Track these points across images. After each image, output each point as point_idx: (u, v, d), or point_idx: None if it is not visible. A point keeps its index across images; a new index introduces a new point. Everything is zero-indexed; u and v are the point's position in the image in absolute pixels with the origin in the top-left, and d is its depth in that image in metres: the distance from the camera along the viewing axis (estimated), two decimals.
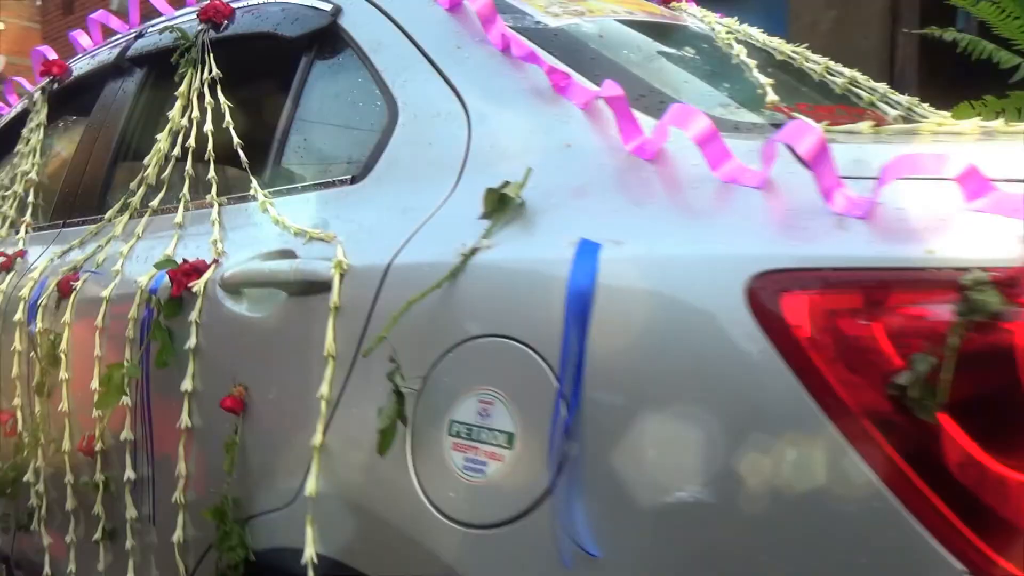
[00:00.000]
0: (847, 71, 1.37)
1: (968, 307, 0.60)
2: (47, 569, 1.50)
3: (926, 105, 1.37)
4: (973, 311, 0.60)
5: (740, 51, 1.27)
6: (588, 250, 0.79)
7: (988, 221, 0.64)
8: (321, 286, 1.01)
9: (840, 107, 1.06)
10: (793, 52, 1.43)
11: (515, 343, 0.83)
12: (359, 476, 0.96)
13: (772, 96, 1.02)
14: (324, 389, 0.98)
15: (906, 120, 1.13)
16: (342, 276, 1.00)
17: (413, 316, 0.90)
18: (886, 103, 1.26)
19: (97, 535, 1.34)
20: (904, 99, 1.36)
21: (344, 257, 1.01)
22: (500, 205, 0.89)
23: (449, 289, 0.89)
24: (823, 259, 0.69)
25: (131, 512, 1.29)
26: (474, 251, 0.88)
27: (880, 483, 0.63)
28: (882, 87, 1.37)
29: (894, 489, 0.62)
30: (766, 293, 0.68)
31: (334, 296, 0.99)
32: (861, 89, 1.32)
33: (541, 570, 0.79)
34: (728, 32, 1.34)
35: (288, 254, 1.10)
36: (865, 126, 0.90)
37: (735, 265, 0.71)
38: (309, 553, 0.96)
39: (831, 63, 1.43)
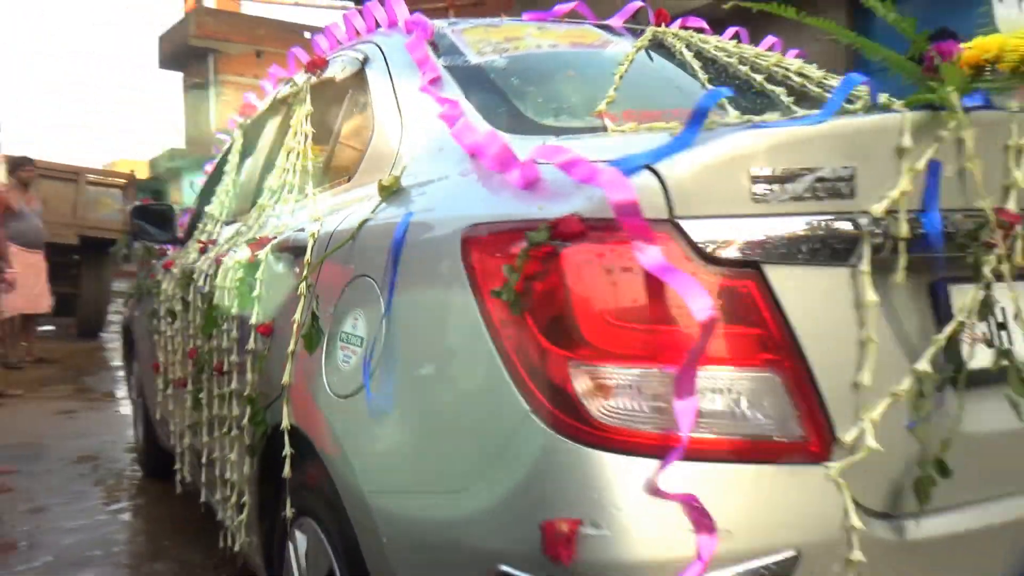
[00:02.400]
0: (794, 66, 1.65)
1: (532, 240, 0.96)
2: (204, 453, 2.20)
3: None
4: (531, 243, 0.95)
5: (692, 63, 1.60)
6: (406, 216, 1.23)
7: (573, 188, 0.98)
8: (303, 249, 1.54)
9: (672, 112, 1.34)
10: (756, 59, 1.72)
11: (370, 279, 1.29)
12: (308, 372, 1.47)
13: (601, 106, 1.35)
14: (296, 316, 1.50)
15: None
16: (313, 243, 1.51)
17: (331, 265, 1.40)
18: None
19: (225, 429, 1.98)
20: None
21: (316, 230, 1.52)
22: (385, 191, 1.36)
23: (349, 247, 1.37)
24: (490, 216, 1.07)
25: (235, 410, 1.91)
26: (365, 221, 1.35)
27: (499, 360, 1.00)
28: (819, 75, 1.63)
29: (504, 361, 0.99)
30: (466, 238, 1.08)
31: (307, 255, 1.51)
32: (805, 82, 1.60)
33: (365, 422, 1.24)
34: (688, 46, 1.68)
35: (300, 231, 1.64)
36: (631, 126, 1.23)
37: (461, 222, 1.11)
38: (285, 424, 1.49)
39: (789, 63, 1.70)
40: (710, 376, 0.94)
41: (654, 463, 0.91)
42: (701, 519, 0.90)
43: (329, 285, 1.42)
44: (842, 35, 1.40)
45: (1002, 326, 1.17)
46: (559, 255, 0.96)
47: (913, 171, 1.01)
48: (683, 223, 0.94)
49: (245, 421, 1.72)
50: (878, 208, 1.00)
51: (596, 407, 0.93)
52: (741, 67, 1.64)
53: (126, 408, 4.92)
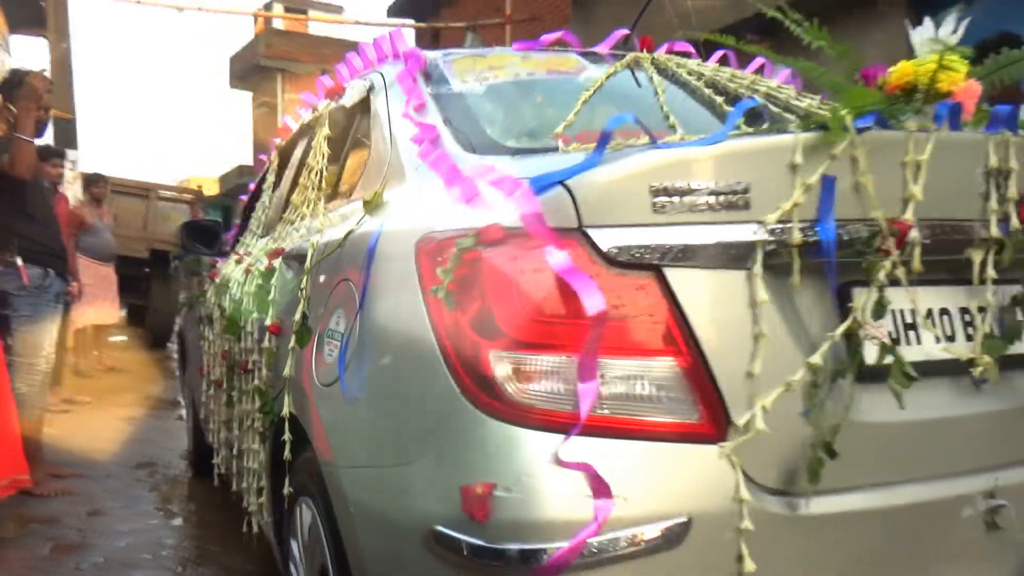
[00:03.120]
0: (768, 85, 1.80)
1: (460, 246, 1.13)
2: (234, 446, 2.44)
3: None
4: (460, 248, 1.13)
5: (659, 87, 1.76)
6: (379, 228, 1.42)
7: (502, 202, 1.16)
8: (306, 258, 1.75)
9: (623, 133, 1.49)
10: (729, 81, 1.87)
11: (351, 283, 1.48)
12: (303, 365, 1.66)
13: (558, 129, 1.52)
14: (297, 315, 1.70)
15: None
16: (312, 252, 1.72)
17: (323, 271, 1.60)
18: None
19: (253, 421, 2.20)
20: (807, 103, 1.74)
21: (316, 241, 1.73)
22: (368, 206, 1.55)
23: (337, 255, 1.57)
24: (439, 227, 1.25)
25: (256, 404, 2.12)
26: (349, 233, 1.55)
27: (437, 350, 1.17)
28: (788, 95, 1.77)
29: (440, 350, 1.17)
30: (418, 247, 1.26)
31: (307, 263, 1.72)
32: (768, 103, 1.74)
33: (340, 407, 1.42)
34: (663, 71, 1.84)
35: (306, 241, 1.85)
36: (573, 147, 1.39)
37: (417, 233, 1.29)
38: (285, 412, 1.69)
39: (764, 83, 1.85)
40: (614, 364, 1.10)
41: (559, 437, 1.07)
42: (598, 486, 1.05)
43: (321, 288, 1.63)
44: (782, 61, 1.53)
45: (911, 326, 1.29)
46: (482, 259, 1.13)
47: (805, 185, 1.15)
48: (590, 231, 1.10)
49: (257, 411, 1.94)
50: (771, 218, 1.14)
51: (512, 389, 1.10)
52: (706, 88, 1.79)
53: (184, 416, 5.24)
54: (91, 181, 7.63)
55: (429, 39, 14.52)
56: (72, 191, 8.65)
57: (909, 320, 1.29)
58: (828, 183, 1.17)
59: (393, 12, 14.92)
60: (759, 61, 2.07)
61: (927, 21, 1.40)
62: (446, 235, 1.22)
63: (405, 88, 1.72)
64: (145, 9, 11.09)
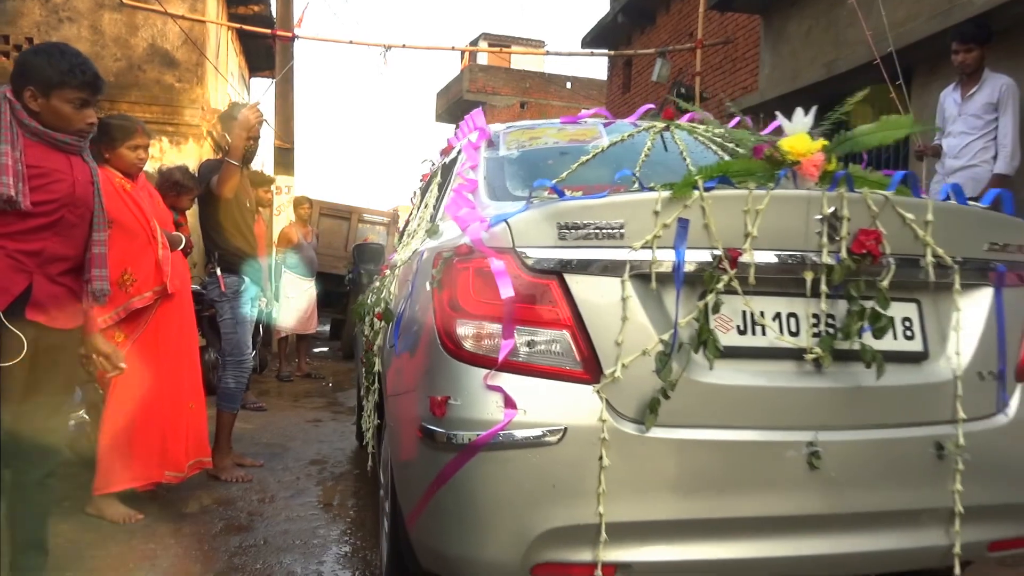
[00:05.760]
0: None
1: (444, 257, 1.98)
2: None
3: None
4: (445, 258, 1.98)
5: (683, 148, 2.51)
6: (426, 245, 2.30)
7: (471, 231, 1.98)
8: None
9: (595, 186, 2.24)
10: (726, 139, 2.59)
11: (410, 281, 2.37)
12: (385, 337, 2.57)
13: (548, 183, 2.30)
14: (392, 304, 2.62)
15: None
16: (400, 262, 2.64)
17: (404, 273, 2.52)
18: None
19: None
20: None
21: (405, 255, 2.65)
22: (429, 232, 2.44)
23: (410, 263, 2.47)
24: (446, 244, 2.10)
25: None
26: (416, 249, 2.45)
27: (433, 320, 2.02)
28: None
29: (434, 320, 2.01)
30: (435, 256, 2.12)
31: (396, 269, 2.64)
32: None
33: (393, 359, 2.32)
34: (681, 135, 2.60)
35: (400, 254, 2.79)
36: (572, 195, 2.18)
37: (439, 249, 2.15)
38: (377, 368, 2.62)
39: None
40: (529, 331, 1.88)
41: (487, 372, 1.86)
42: (508, 402, 1.84)
43: (401, 286, 2.54)
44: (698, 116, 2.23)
45: (756, 321, 1.95)
46: (455, 264, 1.96)
47: (662, 225, 1.87)
48: (519, 250, 1.90)
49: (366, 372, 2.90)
50: (636, 245, 1.87)
51: (467, 343, 1.92)
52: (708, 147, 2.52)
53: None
54: (298, 203, 9.06)
55: (622, 67, 15.43)
56: (286, 213, 10.34)
57: (758, 318, 1.95)
58: (683, 223, 1.88)
59: (587, 43, 15.98)
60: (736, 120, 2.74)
61: (797, 112, 2.06)
62: (443, 250, 2.07)
63: (468, 154, 2.60)
64: (358, 49, 12.77)
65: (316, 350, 11.45)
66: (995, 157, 4.68)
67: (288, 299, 8.49)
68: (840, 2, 6.73)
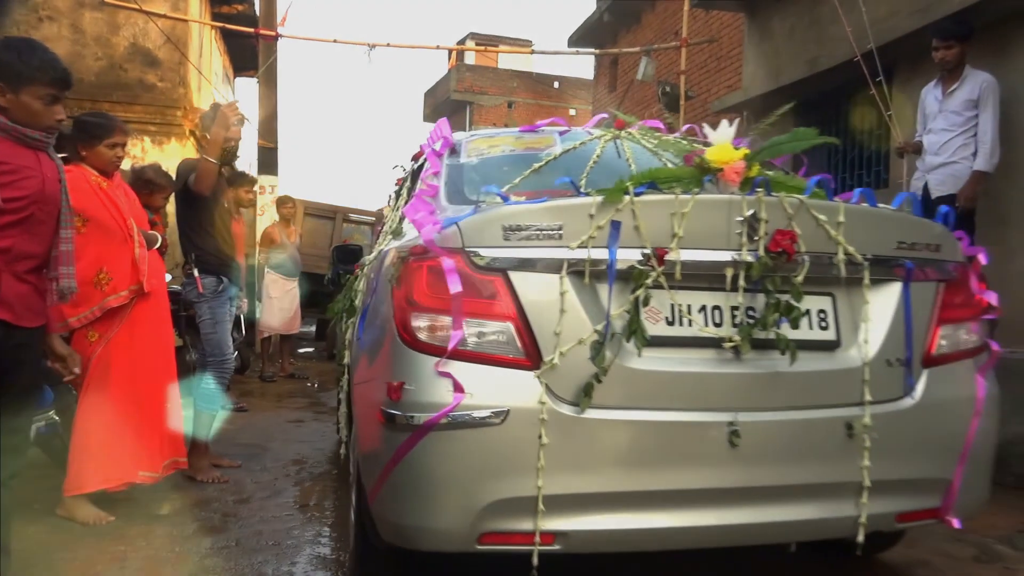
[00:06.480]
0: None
1: (401, 256, 2.21)
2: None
3: None
4: (401, 257, 2.21)
5: (630, 155, 2.75)
6: (388, 246, 2.53)
7: (426, 232, 2.21)
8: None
9: (543, 191, 2.47)
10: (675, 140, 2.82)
11: (374, 278, 2.60)
12: (352, 331, 2.81)
13: (495, 188, 2.52)
14: (357, 301, 2.85)
15: None
16: (368, 262, 2.86)
17: (369, 272, 2.75)
18: None
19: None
20: None
21: (372, 255, 2.88)
22: (392, 234, 2.67)
23: (375, 263, 2.70)
24: (405, 245, 2.33)
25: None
26: (380, 249, 2.68)
27: (391, 313, 2.25)
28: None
29: (391, 313, 2.24)
30: (396, 256, 2.35)
31: (364, 268, 2.87)
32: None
33: (357, 351, 2.55)
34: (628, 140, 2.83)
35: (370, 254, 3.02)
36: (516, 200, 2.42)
37: (400, 250, 2.38)
38: (345, 361, 2.85)
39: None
40: (477, 322, 2.11)
41: (438, 359, 2.09)
42: (456, 386, 2.07)
43: (366, 283, 2.76)
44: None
45: (684, 313, 2.18)
46: (410, 262, 2.19)
47: (596, 227, 2.10)
48: (468, 250, 2.13)
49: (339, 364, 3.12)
50: (573, 245, 2.10)
51: (421, 334, 2.15)
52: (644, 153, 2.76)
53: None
54: (281, 203, 9.17)
55: (608, 66, 15.70)
56: (269, 212, 10.49)
57: (684, 310, 2.19)
58: (615, 225, 2.12)
59: (573, 42, 16.24)
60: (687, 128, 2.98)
61: (722, 123, 2.30)
62: (400, 249, 2.30)
63: (431, 161, 2.83)
64: (343, 47, 12.96)
65: (301, 350, 11.56)
66: (975, 154, 4.82)
67: (271, 299, 8.64)
68: None
